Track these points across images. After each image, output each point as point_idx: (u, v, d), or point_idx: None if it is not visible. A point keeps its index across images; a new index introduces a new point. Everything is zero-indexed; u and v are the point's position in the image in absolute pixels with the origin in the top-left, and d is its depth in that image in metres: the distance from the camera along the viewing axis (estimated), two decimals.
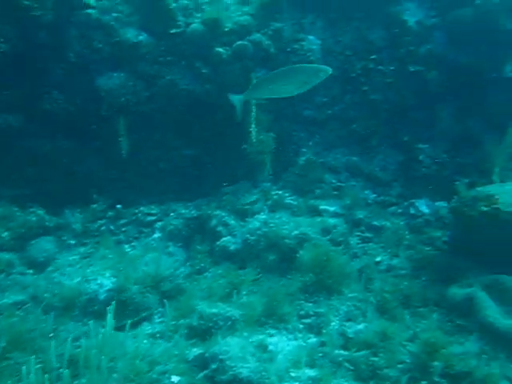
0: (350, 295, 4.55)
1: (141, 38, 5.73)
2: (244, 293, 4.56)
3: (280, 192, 5.88)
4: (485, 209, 4.42)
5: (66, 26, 5.60)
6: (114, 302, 3.54)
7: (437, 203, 5.77)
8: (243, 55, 5.75)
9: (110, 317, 3.23)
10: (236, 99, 4.31)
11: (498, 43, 5.86)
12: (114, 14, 5.68)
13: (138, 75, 5.75)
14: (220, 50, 5.72)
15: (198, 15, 5.80)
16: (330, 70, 3.89)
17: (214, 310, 4.18)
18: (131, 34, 5.71)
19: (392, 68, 6.12)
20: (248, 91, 4.16)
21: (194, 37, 5.70)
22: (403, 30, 6.13)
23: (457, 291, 4.35)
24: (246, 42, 5.77)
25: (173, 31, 5.72)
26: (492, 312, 4.01)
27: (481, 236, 4.53)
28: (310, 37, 6.19)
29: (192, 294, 4.59)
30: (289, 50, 6.07)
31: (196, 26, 5.70)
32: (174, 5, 5.72)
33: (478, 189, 4.68)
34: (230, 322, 4.10)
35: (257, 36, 5.85)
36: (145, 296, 4.45)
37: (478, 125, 6.07)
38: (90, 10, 5.61)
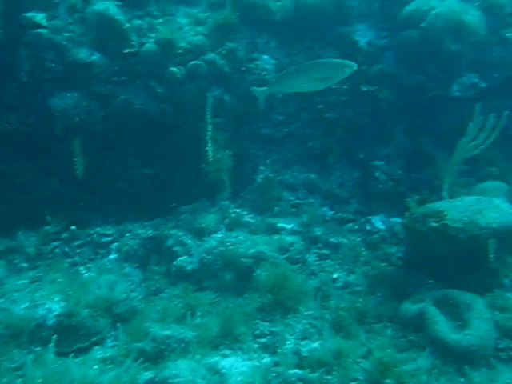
0: (306, 313, 4.54)
1: (94, 57, 5.65)
2: (199, 314, 4.51)
3: (238, 210, 5.84)
4: (434, 224, 4.51)
5: (17, 46, 5.51)
6: (54, 337, 3.42)
7: (392, 219, 5.84)
8: (197, 74, 5.74)
9: (52, 345, 3.13)
10: (259, 92, 4.34)
11: (444, 64, 6.05)
12: (66, 34, 5.59)
13: (91, 95, 5.67)
14: (174, 69, 5.70)
15: (152, 35, 5.78)
16: (355, 66, 3.87)
17: (168, 332, 4.11)
18: (84, 54, 5.63)
19: (345, 87, 6.22)
20: (271, 84, 4.13)
21: (148, 56, 5.67)
22: (354, 49, 6.24)
23: (409, 307, 4.41)
24: (199, 62, 5.77)
25: (126, 51, 5.68)
26: (442, 327, 4.07)
27: (431, 251, 4.61)
28: (265, 56, 6.24)
29: (146, 315, 4.51)
30: (243, 69, 6.09)
31: (150, 45, 5.67)
32: (127, 25, 5.69)
33: (428, 205, 4.77)
34: (183, 344, 4.05)
35: (211, 55, 5.85)
36: (96, 320, 4.33)
37: (429, 142, 6.21)
38: (41, 30, 5.51)
